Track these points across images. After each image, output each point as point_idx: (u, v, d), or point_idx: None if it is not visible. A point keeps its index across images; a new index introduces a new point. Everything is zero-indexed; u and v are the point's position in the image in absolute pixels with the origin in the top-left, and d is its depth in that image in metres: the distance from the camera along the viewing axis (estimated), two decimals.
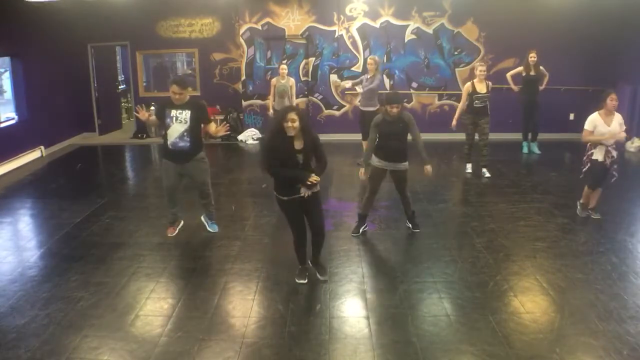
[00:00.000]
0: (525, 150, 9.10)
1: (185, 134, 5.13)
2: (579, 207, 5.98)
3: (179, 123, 5.12)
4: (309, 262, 4.63)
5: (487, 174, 7.57)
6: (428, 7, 9.94)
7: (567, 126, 9.98)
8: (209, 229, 5.64)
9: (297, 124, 4.08)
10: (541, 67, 8.56)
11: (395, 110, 5.07)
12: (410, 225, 5.62)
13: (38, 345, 3.64)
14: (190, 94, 5.32)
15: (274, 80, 8.65)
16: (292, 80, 8.64)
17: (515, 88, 8.81)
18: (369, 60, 7.93)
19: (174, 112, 5.13)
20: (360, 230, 5.54)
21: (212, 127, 5.37)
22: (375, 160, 5.30)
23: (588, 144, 5.72)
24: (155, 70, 12.36)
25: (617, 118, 5.60)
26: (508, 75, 8.82)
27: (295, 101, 8.85)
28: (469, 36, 10.04)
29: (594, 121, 5.58)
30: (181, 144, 5.14)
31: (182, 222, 5.69)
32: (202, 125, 5.29)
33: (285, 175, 4.27)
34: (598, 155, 5.62)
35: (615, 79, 9.67)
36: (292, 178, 4.25)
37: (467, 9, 9.83)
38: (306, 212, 4.41)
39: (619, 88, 9.57)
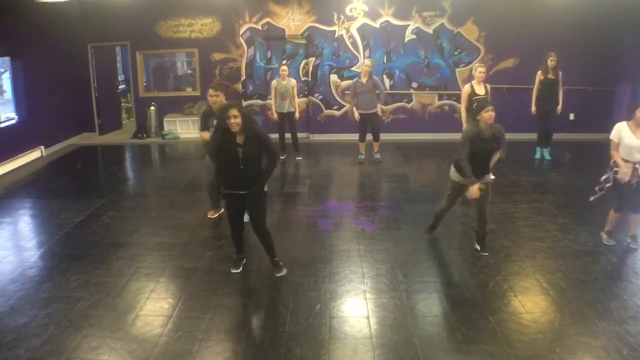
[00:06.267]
0: (537, 155, 8.74)
1: None
2: (604, 235, 5.24)
3: None
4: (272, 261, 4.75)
5: (492, 176, 7.47)
6: (428, 7, 9.94)
7: (567, 126, 9.98)
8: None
9: (238, 119, 4.20)
10: (560, 72, 8.18)
11: (491, 113, 4.63)
12: (478, 247, 5.08)
13: (38, 345, 3.65)
14: (223, 97, 5.37)
15: (274, 82, 8.49)
16: (293, 81, 8.49)
17: (534, 109, 8.35)
18: (367, 63, 8.01)
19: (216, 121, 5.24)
20: (432, 231, 5.40)
21: None
22: (454, 175, 4.93)
23: (614, 163, 4.99)
24: (155, 70, 12.34)
25: None
26: (534, 95, 8.32)
27: (297, 101, 8.74)
28: (469, 36, 10.04)
29: (619, 131, 4.85)
30: None
31: (222, 210, 5.92)
32: None
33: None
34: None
35: (615, 79, 9.67)
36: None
37: (467, 9, 9.83)
38: (247, 210, 4.63)
39: (619, 88, 9.59)
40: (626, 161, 4.85)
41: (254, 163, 4.38)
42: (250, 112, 4.56)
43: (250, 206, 4.54)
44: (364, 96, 8.00)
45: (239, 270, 4.71)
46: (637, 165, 4.83)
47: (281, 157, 8.61)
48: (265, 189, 4.52)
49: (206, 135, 5.36)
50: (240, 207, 4.55)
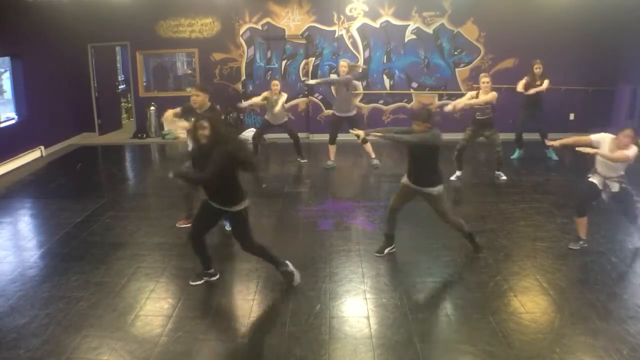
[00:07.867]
0: (514, 156, 8.66)
1: None
2: (574, 242, 5.15)
3: None
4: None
5: (503, 177, 7.44)
6: (428, 7, 9.94)
7: (567, 126, 9.98)
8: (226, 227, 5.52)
9: (206, 132, 4.02)
10: (547, 80, 8.06)
11: (417, 128, 4.51)
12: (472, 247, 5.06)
13: (38, 345, 3.64)
14: (204, 97, 5.44)
15: (267, 92, 8.16)
16: (284, 95, 8.17)
17: (540, 89, 8.05)
18: (342, 64, 7.73)
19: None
20: (385, 252, 5.04)
21: None
22: (404, 177, 4.91)
23: (592, 169, 4.99)
24: (155, 70, 12.35)
25: (632, 150, 4.67)
26: (520, 88, 8.17)
27: (285, 105, 8.46)
28: (469, 36, 10.04)
29: (603, 139, 4.82)
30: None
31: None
32: None
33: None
34: (595, 180, 4.93)
35: (615, 79, 9.68)
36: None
37: (467, 9, 9.83)
38: (232, 233, 4.47)
39: (619, 88, 9.59)
40: (599, 174, 4.89)
41: (224, 177, 4.08)
42: (222, 125, 4.22)
43: (232, 229, 4.40)
44: (340, 97, 7.78)
45: (197, 283, 4.47)
46: (606, 181, 4.87)
47: (303, 161, 8.58)
48: (245, 206, 4.24)
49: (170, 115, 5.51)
50: (211, 218, 4.34)
